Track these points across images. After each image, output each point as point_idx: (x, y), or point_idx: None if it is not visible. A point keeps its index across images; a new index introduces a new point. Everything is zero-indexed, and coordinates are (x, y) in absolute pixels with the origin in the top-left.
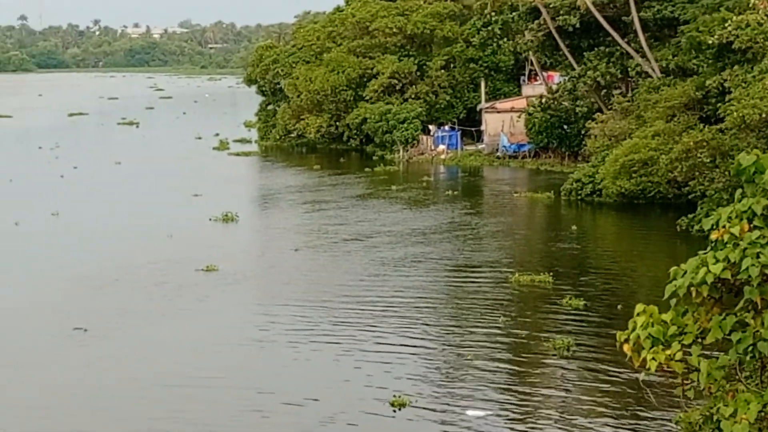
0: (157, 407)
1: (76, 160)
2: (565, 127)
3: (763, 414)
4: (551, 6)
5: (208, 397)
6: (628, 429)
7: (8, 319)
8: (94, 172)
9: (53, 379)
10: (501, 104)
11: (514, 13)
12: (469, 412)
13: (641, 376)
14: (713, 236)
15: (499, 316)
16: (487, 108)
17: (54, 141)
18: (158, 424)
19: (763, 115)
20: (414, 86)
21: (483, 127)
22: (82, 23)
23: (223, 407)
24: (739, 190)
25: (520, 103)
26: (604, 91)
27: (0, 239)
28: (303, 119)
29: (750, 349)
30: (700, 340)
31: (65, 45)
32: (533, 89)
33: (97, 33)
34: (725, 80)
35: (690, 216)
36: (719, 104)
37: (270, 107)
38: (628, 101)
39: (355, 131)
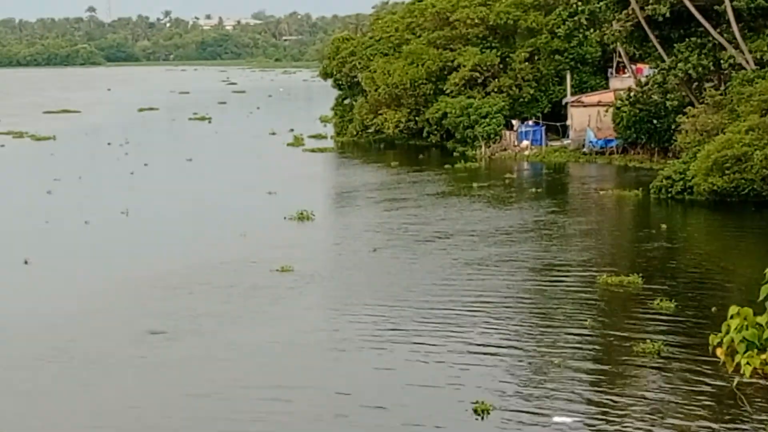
0: (235, 410)
1: (147, 157)
2: (655, 121)
3: None
4: None
5: (287, 400)
6: None
7: (81, 321)
8: (165, 169)
9: (129, 382)
10: (587, 98)
11: (601, 3)
12: (556, 419)
13: (735, 381)
14: None
15: (587, 319)
16: (572, 102)
17: (123, 137)
18: (237, 425)
19: None
20: (497, 79)
21: (568, 122)
22: (152, 15)
23: (302, 410)
24: None
25: (607, 96)
26: (696, 84)
27: (70, 239)
28: (381, 114)
29: None
30: None
31: (135, 37)
32: (621, 82)
33: (168, 25)
34: None
35: None
36: None
37: (346, 102)
38: (721, 95)
39: (435, 126)
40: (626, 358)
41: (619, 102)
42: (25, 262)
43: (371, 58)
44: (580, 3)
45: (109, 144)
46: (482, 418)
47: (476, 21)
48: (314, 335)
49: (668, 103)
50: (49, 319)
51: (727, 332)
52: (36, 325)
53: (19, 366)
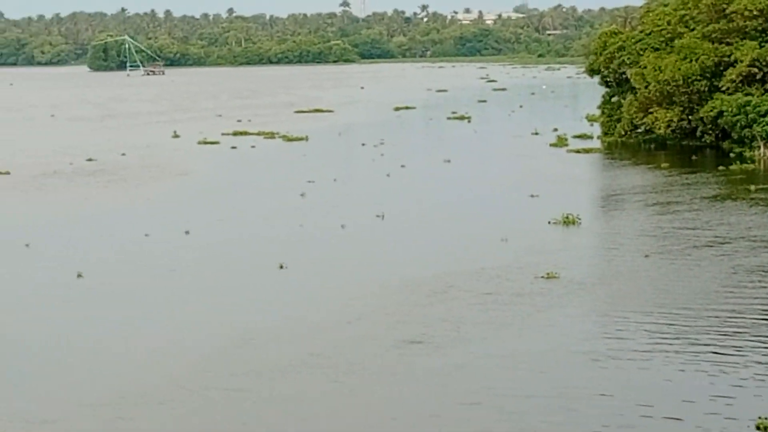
0: (508, 419)
1: (403, 158)
2: None
3: None
4: None
5: (569, 409)
6: None
7: (339, 327)
8: (422, 171)
9: (392, 392)
10: None
11: None
12: None
13: None
14: None
15: None
16: None
17: (378, 137)
18: None
19: None
20: None
21: None
22: (408, 9)
23: (587, 414)
24: None
25: None
26: None
27: (325, 243)
28: (651, 113)
29: None
30: None
31: (390, 33)
32: None
33: (425, 20)
34: None
35: None
36: None
37: (614, 99)
38: None
39: (709, 126)
40: None
41: None
42: (281, 267)
43: (641, 53)
44: None
45: (363, 144)
46: None
47: (755, 12)
48: (588, 344)
49: None
50: (306, 325)
51: None
52: (293, 331)
53: (276, 371)
